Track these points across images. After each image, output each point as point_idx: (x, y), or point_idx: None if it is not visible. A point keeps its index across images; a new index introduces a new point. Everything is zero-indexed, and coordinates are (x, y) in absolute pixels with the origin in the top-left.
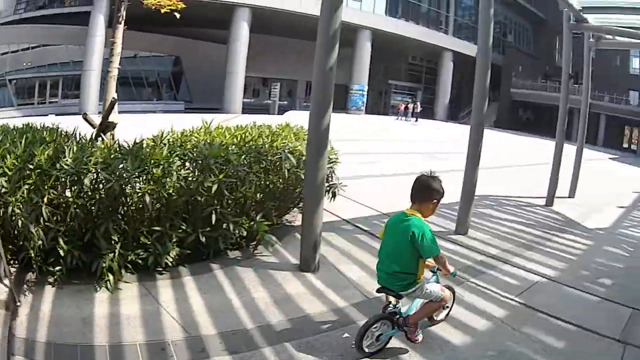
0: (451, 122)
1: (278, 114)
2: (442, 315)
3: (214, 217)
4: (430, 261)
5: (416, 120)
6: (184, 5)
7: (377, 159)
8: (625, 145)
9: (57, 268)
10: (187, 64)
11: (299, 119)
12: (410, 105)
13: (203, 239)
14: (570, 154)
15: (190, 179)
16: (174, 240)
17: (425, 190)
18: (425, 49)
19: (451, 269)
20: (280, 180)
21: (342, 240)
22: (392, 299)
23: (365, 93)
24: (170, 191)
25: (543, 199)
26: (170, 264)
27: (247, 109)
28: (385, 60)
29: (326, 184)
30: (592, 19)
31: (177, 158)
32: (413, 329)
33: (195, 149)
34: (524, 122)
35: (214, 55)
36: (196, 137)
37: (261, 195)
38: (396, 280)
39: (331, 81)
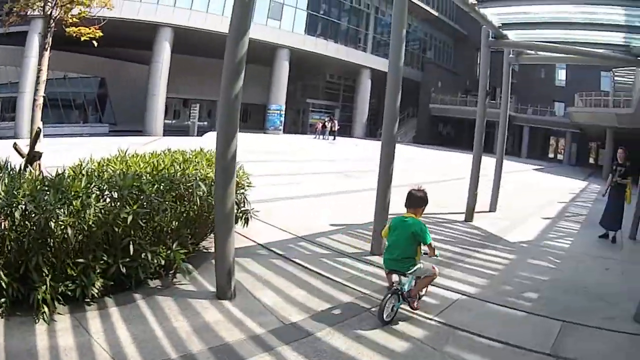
0: (369, 139)
1: (197, 135)
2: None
3: (131, 247)
4: (423, 247)
5: (334, 139)
6: (101, 34)
7: (294, 180)
8: (551, 155)
9: (2, 300)
10: (112, 85)
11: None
12: (328, 124)
13: (124, 270)
14: (492, 168)
15: (107, 210)
16: (98, 271)
17: (416, 200)
18: (343, 67)
19: (436, 252)
20: (195, 207)
21: (258, 265)
22: (395, 279)
23: (283, 112)
24: (90, 223)
25: (463, 215)
26: (96, 295)
27: (168, 131)
28: (304, 78)
29: (238, 210)
30: (513, 34)
31: (95, 189)
32: (414, 299)
33: (111, 180)
34: (444, 136)
35: (137, 77)
36: (112, 167)
37: (176, 223)
38: (402, 264)
39: (237, 107)
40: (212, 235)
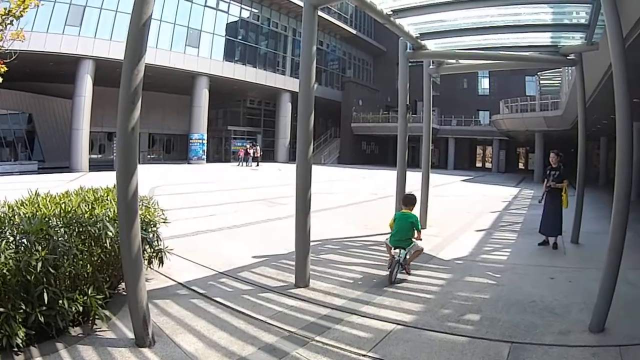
0: (293, 162)
1: None
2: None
3: (45, 295)
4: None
5: (257, 165)
6: (6, 68)
7: (216, 210)
8: (479, 164)
9: None
10: (39, 121)
11: (142, 174)
12: (250, 150)
13: (42, 319)
14: (419, 182)
15: (18, 257)
16: (19, 320)
17: (410, 200)
18: (263, 92)
19: (422, 236)
20: (106, 250)
21: (178, 307)
22: (395, 253)
23: (206, 141)
24: (5, 271)
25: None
26: (21, 344)
27: (95, 166)
28: (225, 105)
29: (152, 249)
30: (432, 44)
31: (9, 234)
32: (409, 266)
33: (20, 224)
34: (369, 155)
35: (63, 111)
36: (24, 210)
37: (90, 268)
38: (404, 242)
39: (135, 140)
40: None
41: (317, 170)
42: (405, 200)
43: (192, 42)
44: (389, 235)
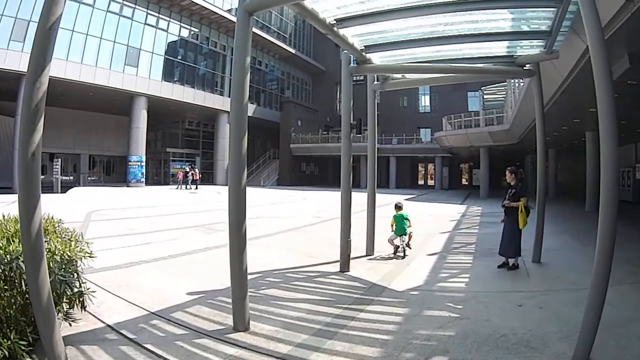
0: None
1: (61, 192)
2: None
3: None
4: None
5: (196, 188)
6: None
7: (152, 238)
8: (421, 182)
9: None
10: None
11: (81, 197)
12: (189, 173)
13: None
14: (364, 203)
15: None
16: None
17: (400, 207)
18: (202, 113)
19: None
20: (23, 291)
21: (107, 356)
22: (399, 239)
23: (144, 164)
24: None
25: (334, 264)
26: None
27: None
28: (163, 126)
29: (72, 292)
30: (378, 58)
31: None
32: (408, 246)
33: None
34: (309, 176)
35: (7, 130)
36: None
37: (11, 311)
38: (403, 232)
39: (36, 166)
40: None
41: (256, 193)
42: (397, 206)
43: (131, 61)
44: (391, 233)
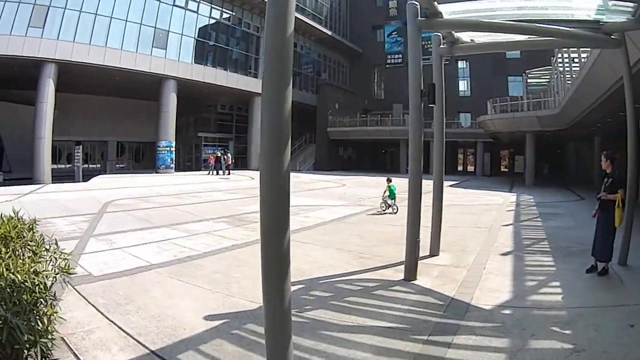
0: None
1: (83, 180)
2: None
3: None
4: None
5: (228, 174)
6: None
7: (171, 233)
8: (460, 168)
9: None
10: (4, 130)
11: (104, 185)
12: (222, 158)
13: None
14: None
15: None
16: None
17: (389, 180)
18: (235, 96)
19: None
20: None
21: None
22: (390, 202)
23: (174, 149)
24: None
25: (395, 269)
26: None
27: (57, 177)
28: (195, 111)
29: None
30: (449, 11)
31: None
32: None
33: None
34: (346, 160)
35: (28, 119)
36: None
37: None
38: (393, 197)
39: None
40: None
41: (292, 177)
42: (389, 179)
43: (159, 43)
44: (386, 195)
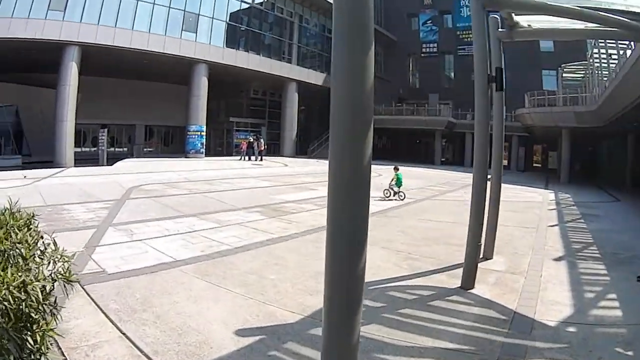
0: (300, 157)
1: (107, 164)
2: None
3: None
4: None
5: (261, 160)
6: None
7: (198, 224)
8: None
9: None
10: (25, 113)
11: (130, 169)
12: (254, 143)
13: None
14: (441, 183)
15: None
16: None
17: (397, 169)
18: (268, 81)
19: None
20: None
21: None
22: (396, 189)
23: (204, 133)
24: None
25: (448, 274)
26: None
27: (80, 160)
28: (226, 96)
29: None
30: None
31: None
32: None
33: None
34: (381, 149)
35: (49, 102)
36: None
37: None
38: (401, 184)
39: None
40: None
41: (324, 166)
42: (396, 168)
43: (189, 26)
44: (393, 182)
